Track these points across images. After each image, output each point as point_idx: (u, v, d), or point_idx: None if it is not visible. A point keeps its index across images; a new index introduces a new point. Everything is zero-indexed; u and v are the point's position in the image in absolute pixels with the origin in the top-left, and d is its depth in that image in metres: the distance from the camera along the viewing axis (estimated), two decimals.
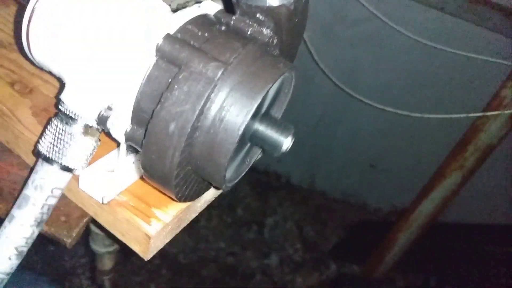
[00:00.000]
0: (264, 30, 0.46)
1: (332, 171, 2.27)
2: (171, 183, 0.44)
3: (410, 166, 2.03)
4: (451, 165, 1.66)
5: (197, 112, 0.40)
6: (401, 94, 1.70)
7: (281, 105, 0.52)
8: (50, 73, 0.52)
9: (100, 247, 0.97)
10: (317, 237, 2.30)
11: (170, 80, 0.41)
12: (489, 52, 1.45)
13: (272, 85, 0.42)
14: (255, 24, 0.47)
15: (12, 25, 0.70)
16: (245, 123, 0.41)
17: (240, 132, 0.41)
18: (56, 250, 1.88)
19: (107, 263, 1.02)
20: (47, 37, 0.48)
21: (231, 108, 0.41)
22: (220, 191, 0.65)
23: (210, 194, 0.62)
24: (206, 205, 0.64)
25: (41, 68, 0.53)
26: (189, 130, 0.40)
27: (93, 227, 0.94)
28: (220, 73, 0.40)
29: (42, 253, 1.85)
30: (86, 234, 1.03)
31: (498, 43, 1.46)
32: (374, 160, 2.14)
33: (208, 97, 0.41)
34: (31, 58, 0.51)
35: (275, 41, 0.47)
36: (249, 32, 0.46)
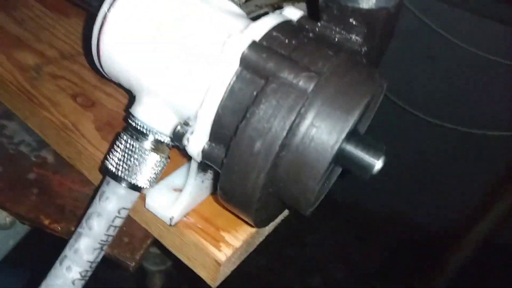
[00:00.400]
0: (353, 37, 0.42)
1: (377, 188, 2.19)
2: (252, 207, 0.40)
3: (461, 184, 1.94)
4: (508, 184, 1.58)
5: (287, 128, 0.36)
6: (456, 109, 1.62)
7: (367, 120, 0.47)
8: (119, 85, 0.49)
9: (151, 265, 0.94)
10: (361, 257, 2.22)
11: (256, 93, 0.37)
12: None
13: (370, 99, 0.38)
14: (343, 31, 0.42)
15: (73, 36, 0.68)
16: (340, 142, 0.37)
17: (334, 152, 0.37)
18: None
19: (157, 283, 0.99)
20: (120, 47, 0.45)
21: (322, 125, 0.37)
22: (286, 214, 0.61)
23: (279, 217, 0.58)
24: (273, 227, 0.59)
25: (110, 80, 0.50)
26: (277, 148, 0.36)
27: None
28: (313, 84, 0.36)
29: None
30: None
31: None
32: (422, 177, 2.05)
33: (299, 112, 0.36)
34: (100, 69, 0.48)
35: (364, 49, 0.43)
36: (336, 40, 0.42)
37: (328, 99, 0.37)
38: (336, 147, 0.37)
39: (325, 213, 2.34)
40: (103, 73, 0.49)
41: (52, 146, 0.61)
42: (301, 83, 0.36)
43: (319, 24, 0.43)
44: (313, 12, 0.44)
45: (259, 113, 0.36)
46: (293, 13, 0.44)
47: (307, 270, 2.12)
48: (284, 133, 0.36)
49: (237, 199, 0.40)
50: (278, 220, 0.58)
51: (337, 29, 0.42)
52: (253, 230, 0.53)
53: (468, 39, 1.44)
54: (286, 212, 0.61)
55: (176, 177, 0.53)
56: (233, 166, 0.38)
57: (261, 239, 0.57)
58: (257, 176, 0.37)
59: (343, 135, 0.37)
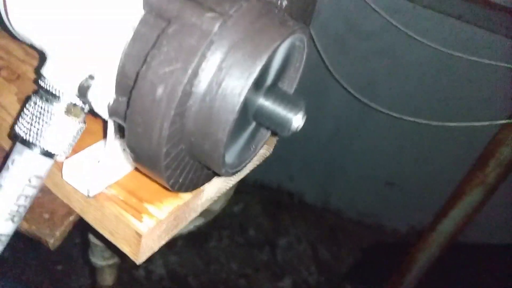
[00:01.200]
0: None
1: (347, 189, 2.19)
2: (161, 162, 0.37)
3: (428, 183, 1.95)
4: (472, 181, 1.58)
5: (189, 71, 0.34)
6: (420, 104, 1.63)
7: (291, 81, 0.45)
8: (32, 46, 0.46)
9: (99, 259, 0.90)
10: (332, 259, 2.20)
11: (158, 36, 0.35)
12: (507, 60, 1.39)
13: (280, 43, 0.36)
14: None
15: None
16: (248, 87, 0.34)
17: (242, 98, 0.34)
18: (64, 270, 1.81)
19: (107, 279, 0.95)
20: (24, 3, 0.42)
21: (230, 70, 0.35)
22: (223, 190, 0.59)
23: (213, 191, 0.55)
24: (208, 204, 0.56)
25: (23, 42, 0.47)
26: (180, 94, 0.34)
27: (91, 238, 0.88)
28: (217, 25, 0.34)
29: (48, 273, 1.78)
30: (85, 247, 0.97)
31: None
32: (391, 177, 2.05)
33: (203, 55, 0.34)
34: (10, 28, 0.46)
35: (284, 2, 0.41)
36: None
37: (235, 43, 0.35)
38: (244, 93, 0.34)
39: (295, 215, 2.34)
40: (14, 34, 0.46)
41: None
42: (204, 24, 0.34)
43: None
44: None
45: (160, 56, 0.34)
46: None
47: (278, 274, 2.09)
48: (187, 77, 0.34)
49: (144, 154, 0.38)
50: (212, 194, 0.56)
51: None
52: (180, 202, 0.50)
53: (430, 36, 1.45)
54: (223, 189, 0.58)
55: (98, 148, 0.50)
56: (135, 116, 0.36)
57: (194, 215, 0.55)
58: (161, 125, 0.35)
59: (251, 80, 0.34)
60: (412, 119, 1.43)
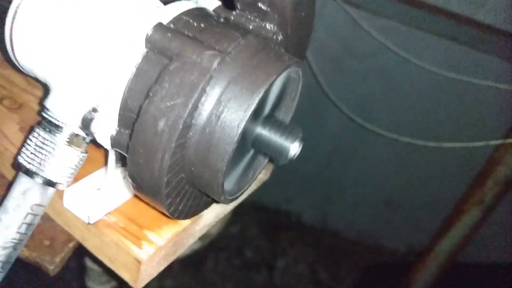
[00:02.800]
0: (267, 24, 0.42)
1: (345, 209, 2.19)
2: (162, 191, 0.38)
3: (426, 202, 1.95)
4: (470, 201, 1.59)
5: (190, 106, 0.35)
6: (416, 125, 1.65)
7: (287, 110, 0.47)
8: (36, 79, 0.48)
9: (96, 284, 0.90)
10: (331, 280, 2.18)
11: (160, 72, 0.37)
12: (501, 80, 1.41)
13: (276, 78, 0.37)
14: (257, 19, 0.42)
15: None
16: (246, 119, 0.36)
17: (240, 130, 0.36)
18: None
19: None
20: (31, 38, 0.44)
21: (229, 104, 0.36)
22: (222, 215, 0.59)
23: (211, 217, 0.56)
24: (206, 229, 0.57)
25: (27, 74, 0.48)
26: (181, 127, 0.35)
27: (88, 262, 0.88)
28: (216, 62, 0.36)
29: None
30: (82, 271, 0.97)
31: (510, 71, 1.42)
32: (388, 197, 2.06)
33: (203, 90, 0.36)
34: (15, 62, 0.47)
35: (279, 37, 0.43)
36: (251, 27, 0.42)
37: (234, 78, 0.37)
38: (242, 125, 0.36)
39: (292, 236, 2.33)
40: (18, 66, 0.48)
41: None
42: (204, 61, 0.36)
43: (234, 13, 0.43)
44: (227, 1, 0.44)
45: (161, 92, 0.36)
46: (209, 2, 0.44)
47: None
48: (187, 111, 0.35)
49: (146, 184, 0.39)
50: (210, 220, 0.57)
51: (251, 17, 0.42)
52: (179, 228, 0.51)
53: (425, 58, 1.48)
54: (221, 214, 0.59)
55: (98, 176, 0.51)
56: (138, 148, 0.37)
57: (192, 240, 0.55)
58: (162, 157, 0.36)
59: (249, 113, 0.36)
60: (408, 140, 1.45)
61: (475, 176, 1.53)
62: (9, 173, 0.56)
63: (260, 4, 0.40)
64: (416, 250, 2.03)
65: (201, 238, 0.58)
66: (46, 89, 0.48)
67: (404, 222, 2.08)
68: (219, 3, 0.45)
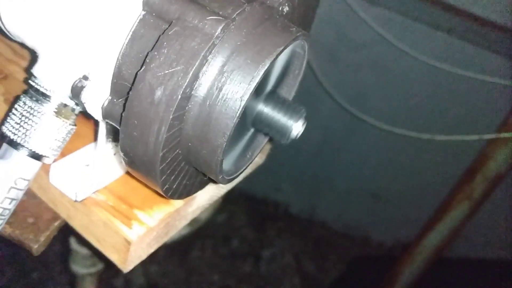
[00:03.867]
0: None
1: (333, 201, 2.19)
2: (156, 167, 0.36)
3: (416, 196, 1.95)
4: (458, 196, 1.58)
5: (190, 74, 0.32)
6: (409, 117, 1.64)
7: (290, 88, 0.44)
8: (23, 45, 0.45)
9: (80, 267, 0.87)
10: (317, 272, 2.18)
11: (158, 37, 0.34)
12: (497, 75, 1.40)
13: (283, 49, 0.35)
14: None
15: None
16: (249, 92, 0.33)
17: (243, 103, 0.33)
18: (40, 277, 1.76)
19: (87, 287, 0.92)
20: (18, 1, 0.41)
21: (232, 75, 0.34)
22: (215, 198, 0.57)
23: (204, 199, 0.54)
24: (199, 212, 0.55)
25: (13, 40, 0.45)
26: (179, 97, 0.33)
27: (73, 244, 0.85)
28: (220, 29, 0.33)
29: (24, 280, 1.72)
30: (66, 254, 0.94)
31: (505, 66, 1.42)
32: (377, 190, 2.06)
33: (205, 58, 0.33)
34: (2, 26, 0.44)
35: (285, 8, 0.40)
36: None
37: (238, 47, 0.34)
38: (246, 98, 0.33)
39: (280, 226, 2.32)
40: (5, 31, 0.45)
41: None
42: (207, 27, 0.33)
43: None
44: None
45: (159, 58, 0.33)
46: None
47: (261, 286, 2.07)
48: (187, 79, 0.33)
49: (139, 158, 0.36)
50: (204, 202, 0.54)
51: None
52: (172, 209, 0.48)
53: (420, 49, 1.47)
54: (215, 197, 0.57)
55: (87, 152, 0.49)
56: (132, 119, 0.34)
57: (184, 222, 0.53)
58: (158, 129, 0.33)
59: (254, 85, 0.33)
60: (401, 131, 1.44)
61: (464, 171, 1.53)
62: None
63: None
64: (403, 244, 2.03)
65: (190, 223, 0.56)
66: (33, 56, 0.45)
67: (392, 215, 2.08)
68: None
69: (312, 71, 1.56)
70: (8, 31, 0.45)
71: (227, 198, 0.65)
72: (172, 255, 1.95)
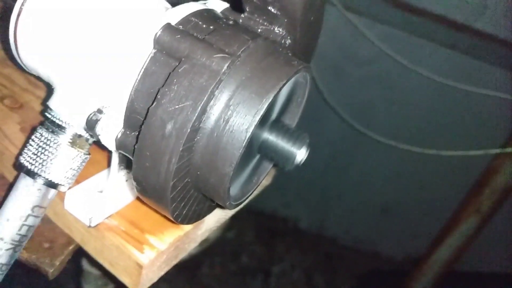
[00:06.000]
0: (276, 28, 0.42)
1: (342, 216, 2.18)
2: (167, 195, 0.37)
3: (424, 210, 1.95)
4: (467, 209, 1.58)
5: (199, 109, 0.34)
6: (415, 133, 1.65)
7: (294, 115, 0.46)
8: (39, 78, 0.47)
9: (93, 287, 0.89)
10: (327, 287, 2.18)
11: (168, 74, 0.36)
12: (501, 89, 1.41)
13: (285, 83, 0.37)
14: (265, 23, 0.42)
15: None
16: (254, 124, 0.35)
17: (249, 134, 0.35)
18: None
19: None
20: (36, 36, 0.43)
21: (238, 108, 0.36)
22: (223, 220, 0.59)
23: (212, 222, 0.56)
24: (207, 234, 0.57)
25: (29, 73, 0.48)
26: (189, 130, 0.35)
27: (85, 265, 0.87)
28: (226, 66, 0.35)
29: None
30: (78, 274, 0.96)
31: (510, 80, 1.42)
32: (386, 205, 2.05)
33: (212, 93, 0.35)
34: (19, 61, 0.46)
35: (288, 41, 0.42)
36: (259, 30, 0.42)
37: (243, 82, 0.36)
38: (251, 130, 0.35)
39: (290, 242, 2.32)
40: (22, 65, 0.47)
41: None
42: (214, 64, 0.35)
43: (242, 15, 0.43)
44: (235, 3, 0.44)
45: (170, 94, 0.35)
46: (217, 4, 0.44)
47: None
48: (196, 114, 0.35)
49: (151, 187, 0.38)
50: (212, 225, 0.56)
51: (260, 20, 0.42)
52: (181, 233, 0.50)
53: (425, 65, 1.48)
54: (222, 219, 0.59)
55: (100, 179, 0.51)
56: (144, 151, 0.36)
57: (193, 245, 0.55)
58: (169, 160, 0.35)
59: (258, 118, 0.35)
60: (407, 147, 1.45)
61: (472, 184, 1.54)
62: (9, 173, 0.55)
63: (270, 7, 0.40)
64: (413, 258, 2.02)
65: (200, 243, 0.58)
66: (49, 89, 0.47)
67: (401, 230, 2.07)
68: (227, 5, 0.44)
69: (318, 89, 1.58)
70: (24, 65, 0.47)
71: (236, 215, 0.67)
72: (181, 272, 1.96)
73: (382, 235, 2.15)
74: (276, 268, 2.18)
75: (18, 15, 0.44)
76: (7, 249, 0.44)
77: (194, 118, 0.35)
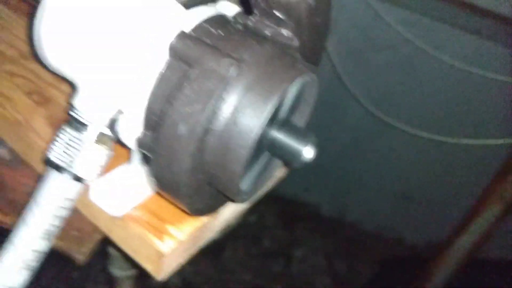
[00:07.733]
0: (283, 30, 0.44)
1: (364, 201, 2.19)
2: (182, 192, 0.41)
3: (447, 197, 1.94)
4: (490, 197, 1.57)
5: (207, 112, 0.37)
6: (436, 120, 1.64)
7: (303, 115, 0.48)
8: (63, 77, 0.50)
9: (118, 270, 0.94)
10: (348, 272, 2.20)
11: (180, 79, 0.39)
12: None
13: (289, 85, 0.39)
14: (274, 25, 0.44)
15: None
16: (261, 126, 0.38)
17: (256, 136, 0.38)
18: (80, 277, 1.85)
19: None
20: (60, 37, 0.46)
21: (245, 110, 0.38)
22: (239, 210, 0.62)
23: (229, 213, 0.59)
24: (225, 224, 0.60)
25: (54, 72, 0.51)
26: (199, 131, 0.37)
27: (111, 250, 0.92)
28: (232, 70, 0.38)
29: (65, 280, 1.82)
30: (105, 258, 1.01)
31: None
32: (407, 191, 2.05)
33: (220, 96, 0.38)
34: (44, 61, 0.50)
35: (296, 43, 0.44)
36: (268, 34, 0.44)
37: (249, 85, 0.38)
38: (258, 131, 0.38)
39: (311, 227, 2.34)
40: (46, 64, 0.50)
41: (6, 141, 0.62)
42: (221, 68, 0.38)
43: (252, 19, 0.45)
44: (245, 7, 0.46)
45: (181, 98, 0.38)
46: (228, 8, 0.46)
47: (293, 286, 2.10)
48: (205, 116, 0.37)
49: (167, 184, 0.41)
50: (228, 216, 0.59)
51: (269, 23, 0.44)
52: (199, 223, 0.53)
53: (447, 51, 1.46)
54: (240, 209, 0.62)
55: (124, 171, 0.54)
56: (160, 150, 0.40)
57: (211, 235, 0.58)
58: (182, 159, 0.38)
59: (264, 119, 0.38)
60: (426, 135, 1.44)
61: (495, 172, 1.52)
62: (37, 165, 0.59)
63: (276, 12, 0.42)
64: (435, 245, 2.02)
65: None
66: (73, 87, 0.50)
67: (423, 216, 2.07)
68: (238, 9, 0.47)
69: (338, 75, 1.59)
70: (50, 65, 0.51)
71: (257, 200, 0.70)
72: (205, 255, 2.01)
73: (403, 221, 2.15)
74: (298, 252, 2.22)
75: (42, 15, 0.47)
76: (42, 239, 0.48)
77: (204, 120, 0.37)
